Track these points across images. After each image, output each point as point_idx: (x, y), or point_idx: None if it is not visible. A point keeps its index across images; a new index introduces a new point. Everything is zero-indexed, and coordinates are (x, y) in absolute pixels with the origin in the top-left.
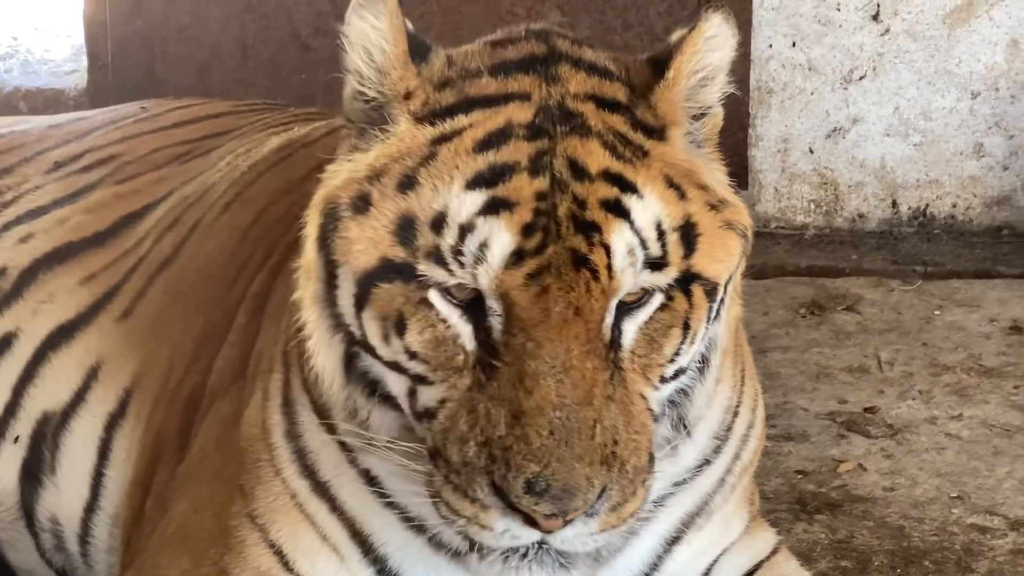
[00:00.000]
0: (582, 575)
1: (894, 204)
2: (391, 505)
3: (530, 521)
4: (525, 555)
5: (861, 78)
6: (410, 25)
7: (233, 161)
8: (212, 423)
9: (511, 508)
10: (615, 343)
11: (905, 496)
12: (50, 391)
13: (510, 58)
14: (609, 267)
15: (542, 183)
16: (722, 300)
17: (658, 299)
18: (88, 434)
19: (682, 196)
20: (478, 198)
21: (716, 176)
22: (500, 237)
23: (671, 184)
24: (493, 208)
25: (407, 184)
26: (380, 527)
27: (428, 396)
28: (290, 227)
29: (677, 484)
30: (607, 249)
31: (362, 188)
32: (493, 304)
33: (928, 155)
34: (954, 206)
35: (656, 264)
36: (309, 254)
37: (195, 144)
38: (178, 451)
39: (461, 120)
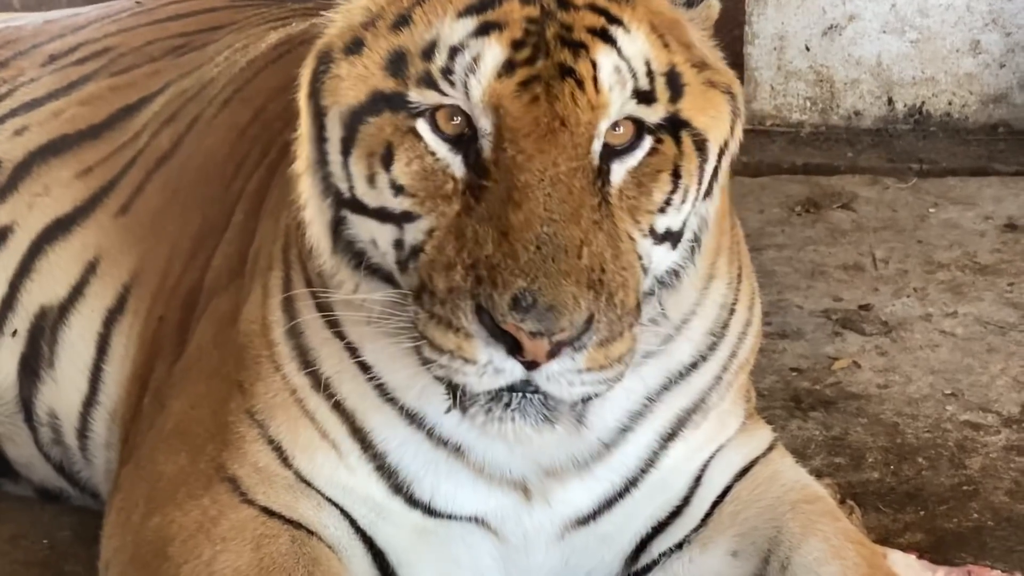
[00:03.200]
0: (566, 432)
1: (890, 101)
2: (391, 401)
3: (514, 349)
4: (508, 404)
5: None
6: None
7: (231, 56)
8: (210, 320)
9: (495, 334)
10: (604, 176)
11: (899, 393)
12: (47, 285)
13: None
14: (596, 80)
15: (532, 10)
16: (715, 170)
17: (647, 143)
18: (86, 329)
19: (666, 45)
20: (469, 23)
21: (699, 36)
22: (491, 50)
23: (656, 31)
24: (484, 30)
25: (400, 23)
26: (380, 423)
27: (415, 231)
28: (288, 125)
29: (672, 380)
30: (594, 64)
31: (356, 33)
32: (483, 123)
33: (924, 52)
34: (950, 103)
35: (643, 96)
36: (302, 112)
37: (191, 37)
38: (176, 348)
39: None
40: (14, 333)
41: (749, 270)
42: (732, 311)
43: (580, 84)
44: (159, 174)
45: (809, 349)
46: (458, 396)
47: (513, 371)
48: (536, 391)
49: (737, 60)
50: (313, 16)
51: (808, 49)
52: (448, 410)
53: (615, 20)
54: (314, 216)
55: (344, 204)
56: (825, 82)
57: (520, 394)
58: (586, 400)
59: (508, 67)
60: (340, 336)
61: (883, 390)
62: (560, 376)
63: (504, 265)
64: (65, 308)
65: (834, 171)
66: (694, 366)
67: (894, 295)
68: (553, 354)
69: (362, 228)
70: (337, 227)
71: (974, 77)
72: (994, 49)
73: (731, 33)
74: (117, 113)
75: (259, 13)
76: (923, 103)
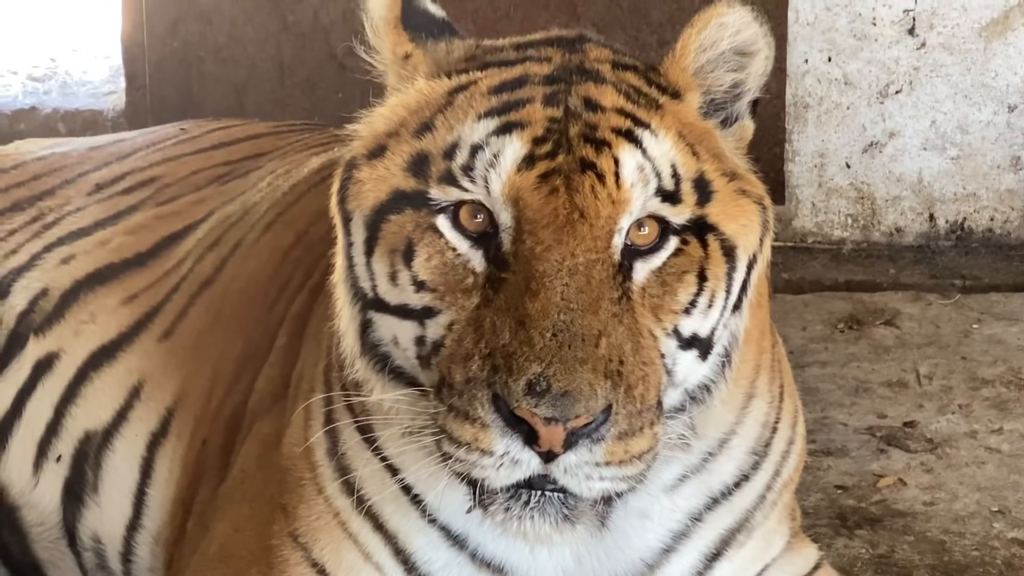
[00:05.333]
0: (588, 532)
1: (931, 218)
2: (433, 523)
3: (530, 439)
4: (527, 502)
5: (897, 92)
6: (440, 11)
7: (274, 181)
8: (253, 443)
9: (511, 423)
10: (626, 273)
11: (945, 510)
12: (92, 410)
13: (536, 38)
14: (617, 176)
15: (555, 112)
16: (744, 283)
17: (672, 244)
18: (130, 453)
19: (695, 154)
20: (490, 124)
21: (731, 148)
22: (512, 145)
23: (684, 139)
24: (505, 129)
25: (423, 129)
26: (423, 545)
27: (436, 326)
28: (330, 248)
29: (715, 500)
30: (616, 161)
31: (380, 141)
32: (503, 217)
33: (965, 168)
34: (992, 219)
35: (668, 196)
36: (336, 223)
37: (235, 165)
38: (220, 471)
39: (478, 74)
40: (59, 458)
41: (791, 388)
42: (775, 429)
43: (601, 178)
44: (202, 298)
45: (854, 466)
46: (477, 493)
47: (530, 463)
48: (556, 489)
49: (778, 177)
50: None
51: (849, 166)
52: (469, 509)
53: (642, 123)
54: (347, 324)
55: (368, 305)
56: (866, 199)
57: (540, 492)
58: (608, 500)
59: (528, 160)
60: (381, 456)
61: (929, 507)
62: (578, 468)
63: (520, 352)
64: (109, 433)
65: (877, 288)
66: (737, 485)
67: (939, 412)
68: (570, 444)
69: (384, 327)
70: (365, 331)
71: (1015, 193)
72: None
73: (771, 151)
74: (162, 241)
75: (301, 139)
76: (965, 219)
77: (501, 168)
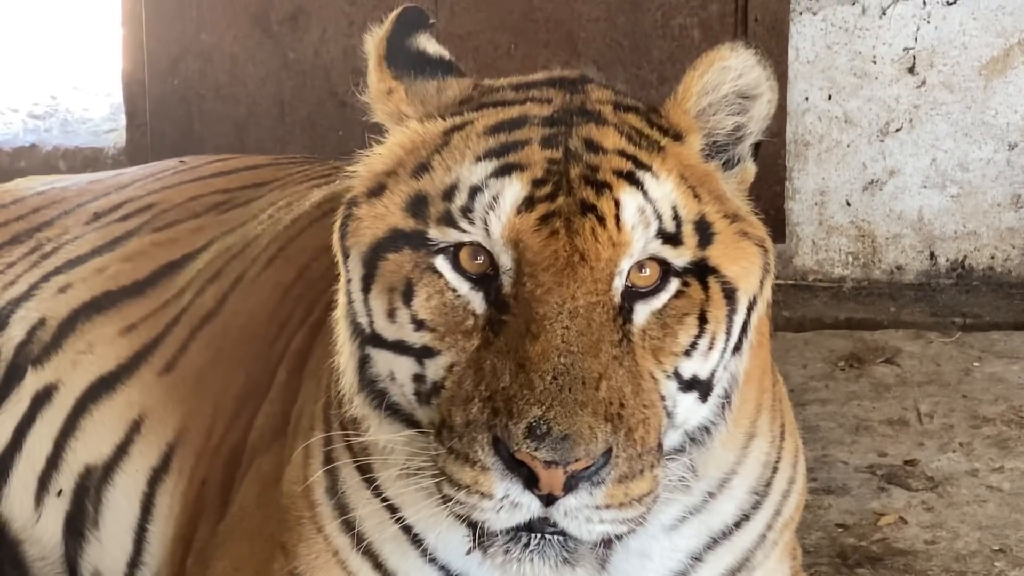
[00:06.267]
0: (587, 575)
1: (932, 256)
2: (433, 562)
3: (530, 482)
4: (527, 544)
5: (898, 130)
6: (440, 50)
7: (275, 214)
8: (253, 480)
9: (511, 466)
10: (626, 315)
11: (947, 549)
12: (92, 444)
13: (537, 79)
14: (617, 219)
15: (555, 153)
16: (744, 325)
17: (673, 286)
18: (131, 489)
19: (696, 196)
20: (489, 166)
21: (732, 190)
22: (511, 187)
23: (685, 181)
24: (504, 171)
25: (421, 170)
26: None
27: (436, 367)
28: (331, 285)
29: (716, 539)
30: (617, 203)
31: (379, 179)
32: (504, 259)
33: (966, 207)
34: (992, 257)
35: (669, 238)
36: (339, 260)
37: (234, 193)
38: (219, 507)
39: (474, 114)
40: (59, 493)
41: (792, 427)
42: (775, 469)
43: (602, 220)
44: (203, 332)
45: (855, 505)
46: (477, 536)
47: (530, 506)
48: (556, 532)
49: (778, 215)
50: None
51: (849, 204)
52: (469, 551)
53: (643, 165)
54: (346, 361)
55: (366, 341)
56: (867, 237)
57: (539, 535)
58: (608, 542)
59: (528, 203)
60: (380, 496)
61: (930, 546)
62: (578, 512)
63: (520, 395)
64: (110, 467)
65: (877, 326)
66: (738, 525)
67: (940, 450)
68: (570, 487)
69: (381, 363)
70: (363, 367)
71: (1016, 231)
72: None
73: (772, 188)
74: (160, 270)
75: (302, 171)
76: (965, 257)
77: (500, 210)
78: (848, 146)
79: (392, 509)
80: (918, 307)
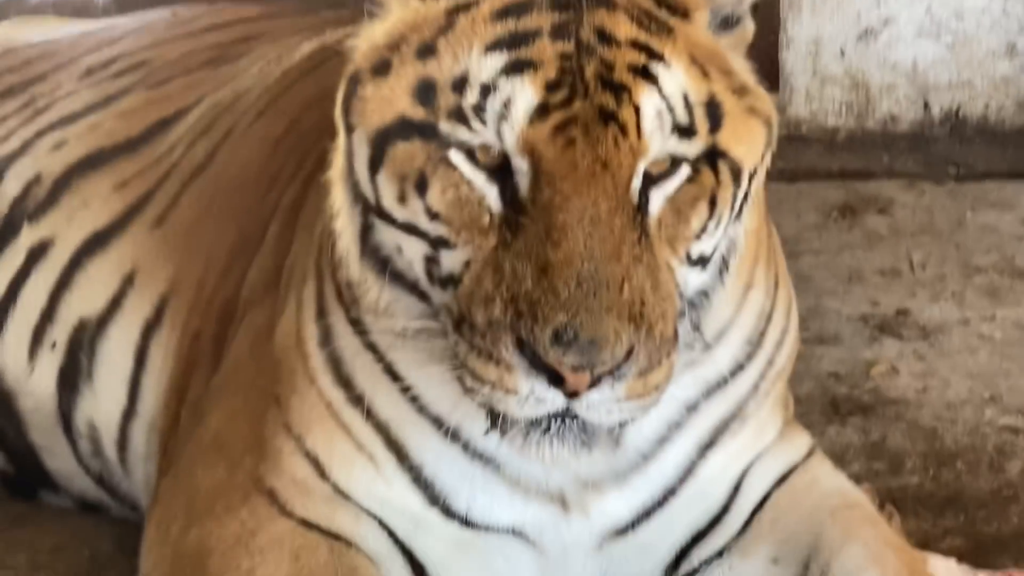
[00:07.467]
0: (603, 455)
1: (926, 106)
2: (425, 414)
3: (555, 380)
4: (547, 429)
5: None
6: None
7: (265, 67)
8: (246, 333)
9: (537, 366)
10: (643, 209)
11: (938, 398)
12: (86, 298)
13: None
14: (638, 126)
15: (567, 46)
16: (746, 195)
17: (685, 171)
18: (124, 341)
19: (705, 75)
20: (499, 59)
21: (740, 63)
22: (523, 93)
23: (695, 62)
24: (515, 68)
25: (425, 52)
26: (414, 435)
27: (451, 261)
28: (322, 137)
29: (710, 390)
30: (637, 109)
31: (382, 54)
32: (519, 162)
33: (960, 56)
34: (987, 107)
35: (683, 131)
36: (338, 126)
37: (226, 49)
38: (213, 360)
39: None
40: (53, 345)
41: (786, 277)
42: (769, 319)
43: (623, 129)
44: (194, 186)
45: (847, 354)
46: (498, 421)
47: (554, 400)
48: (575, 417)
49: (773, 66)
50: (347, 25)
51: (843, 54)
52: (487, 432)
53: (656, 56)
54: (345, 225)
55: (370, 211)
56: (861, 87)
57: (559, 420)
58: (623, 424)
59: (542, 111)
60: (372, 349)
61: (921, 395)
62: (600, 405)
63: (544, 301)
64: (104, 320)
65: (870, 176)
66: (732, 374)
67: (932, 299)
68: (594, 385)
69: (388, 236)
70: (365, 233)
71: (1010, 80)
72: None
73: (766, 39)
74: (153, 126)
75: (293, 22)
76: (959, 107)
77: (513, 120)
78: None
79: (384, 362)
80: (911, 157)
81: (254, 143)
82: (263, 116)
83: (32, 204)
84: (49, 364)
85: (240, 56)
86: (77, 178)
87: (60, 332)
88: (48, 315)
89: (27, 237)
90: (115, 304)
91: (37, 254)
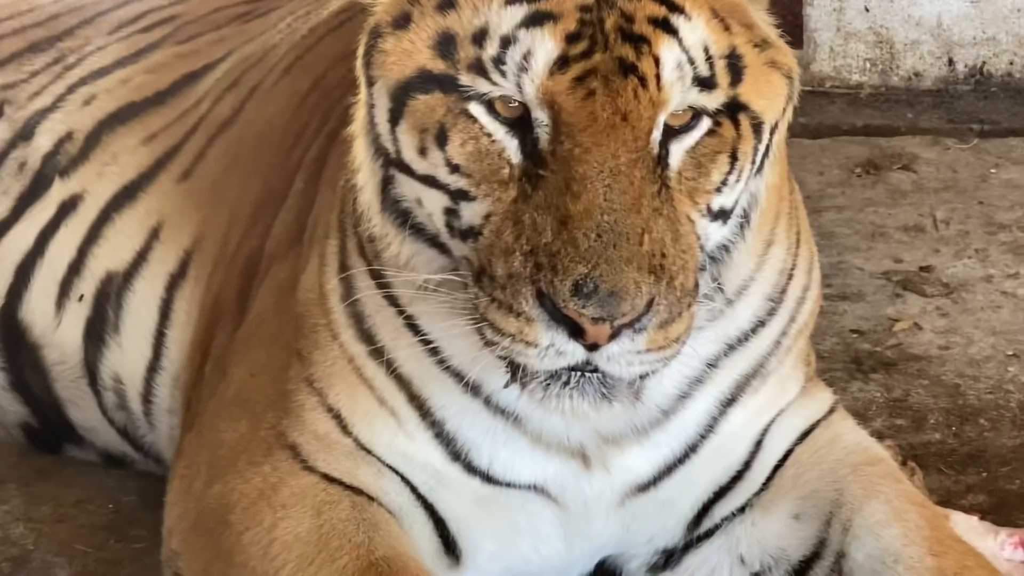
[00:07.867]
0: (623, 409)
1: (950, 62)
2: (447, 369)
3: (575, 332)
4: (567, 382)
5: None
6: None
7: (293, 23)
8: (269, 288)
9: (557, 318)
10: (663, 161)
11: (960, 354)
12: (113, 251)
13: None
14: (658, 77)
15: None
16: (767, 149)
17: (705, 124)
18: (150, 294)
19: (727, 28)
20: (519, 11)
21: (762, 16)
22: (543, 45)
23: (716, 15)
24: (535, 20)
25: (446, 4)
26: (437, 391)
27: (471, 212)
28: (347, 93)
29: (731, 346)
30: (656, 60)
31: (403, 7)
32: (539, 114)
33: (985, 12)
34: (1011, 63)
35: (704, 83)
36: (360, 79)
37: (256, 4)
38: (236, 315)
39: None
40: (80, 298)
41: (807, 234)
42: (791, 276)
43: (643, 81)
44: (220, 140)
45: (870, 311)
46: (518, 374)
47: (574, 353)
48: (595, 370)
49: (796, 21)
50: None
51: (867, 10)
52: (507, 385)
53: (676, 8)
54: (366, 179)
55: (391, 164)
56: (885, 43)
57: (579, 373)
58: (643, 377)
59: (562, 62)
60: (395, 304)
61: (944, 351)
62: (620, 357)
63: (564, 252)
64: (130, 273)
65: (894, 132)
66: (753, 331)
67: (955, 256)
68: (614, 336)
69: (408, 189)
70: (385, 186)
71: None
72: None
73: None
74: (181, 80)
75: None
76: (984, 63)
77: (533, 72)
78: None
79: (406, 317)
80: (935, 113)
81: (280, 99)
82: (289, 72)
83: (64, 160)
84: (76, 316)
85: (269, 11)
86: (107, 133)
87: (88, 285)
88: (76, 268)
89: (58, 191)
90: (141, 257)
91: (67, 208)
